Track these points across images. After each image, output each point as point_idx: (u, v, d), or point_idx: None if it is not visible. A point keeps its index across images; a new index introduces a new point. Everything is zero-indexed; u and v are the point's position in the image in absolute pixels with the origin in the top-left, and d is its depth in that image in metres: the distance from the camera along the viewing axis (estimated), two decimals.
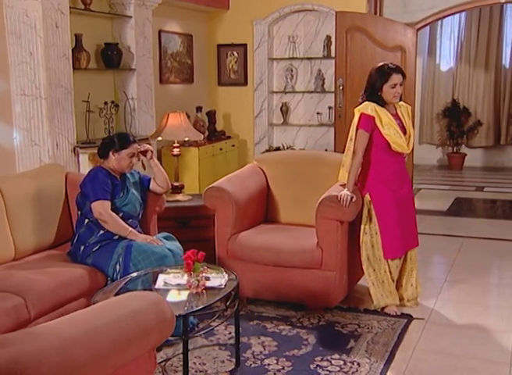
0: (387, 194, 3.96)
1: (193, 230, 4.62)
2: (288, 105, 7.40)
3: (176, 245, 3.86)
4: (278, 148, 7.37)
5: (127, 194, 3.88)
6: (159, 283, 3.21)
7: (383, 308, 4.03)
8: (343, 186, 4.02)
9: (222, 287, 3.17)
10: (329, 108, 7.20)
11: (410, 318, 3.91)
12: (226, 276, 3.28)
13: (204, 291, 3.09)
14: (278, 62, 7.43)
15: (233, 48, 7.40)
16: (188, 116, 6.74)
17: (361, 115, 3.92)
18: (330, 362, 3.32)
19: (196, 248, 3.19)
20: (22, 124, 4.85)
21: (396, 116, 3.99)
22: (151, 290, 3.17)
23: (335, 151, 6.74)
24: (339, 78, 6.66)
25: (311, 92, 7.32)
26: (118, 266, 3.66)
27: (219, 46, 7.46)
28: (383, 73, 3.89)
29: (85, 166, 5.05)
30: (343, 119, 6.73)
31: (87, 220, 3.78)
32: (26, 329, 1.96)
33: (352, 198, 3.84)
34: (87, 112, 5.20)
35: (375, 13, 6.91)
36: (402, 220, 4.00)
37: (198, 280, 3.08)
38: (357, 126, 3.93)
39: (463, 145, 10.31)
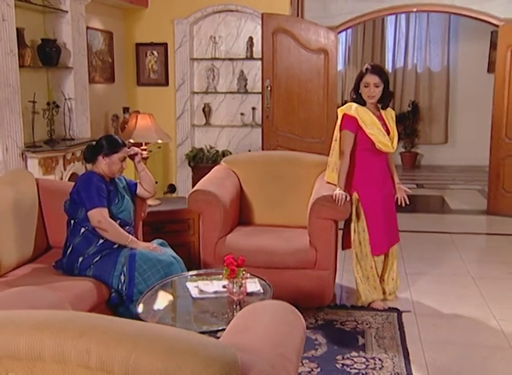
0: (374, 193, 4.11)
1: (168, 235, 4.45)
2: (210, 105, 7.35)
3: (173, 252, 3.73)
4: (201, 149, 7.32)
5: (122, 200, 3.68)
6: (194, 292, 3.09)
7: (369, 304, 4.18)
8: (332, 185, 4.12)
9: (261, 291, 3.13)
10: (253, 108, 7.27)
11: (398, 311, 4.10)
12: (256, 280, 3.23)
13: (244, 298, 3.03)
14: (199, 62, 7.36)
15: (153, 48, 7.21)
16: (117, 117, 6.50)
17: (344, 115, 4.04)
18: (353, 360, 3.39)
19: None
20: None
21: (380, 117, 4.13)
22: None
23: (262, 150, 6.85)
24: (266, 79, 6.76)
25: (234, 93, 7.33)
26: (122, 277, 3.46)
27: (138, 45, 7.22)
28: (360, 72, 4.08)
29: (34, 172, 4.66)
30: (271, 119, 6.85)
31: (83, 229, 3.53)
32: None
33: (346, 196, 3.95)
34: (33, 114, 4.82)
35: (298, 16, 7.08)
36: (386, 217, 4.19)
37: (240, 286, 3.01)
38: (341, 127, 4.04)
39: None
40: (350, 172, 4.10)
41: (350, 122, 3.96)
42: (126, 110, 6.68)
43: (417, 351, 3.50)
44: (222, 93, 7.35)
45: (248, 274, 3.07)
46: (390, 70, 10.93)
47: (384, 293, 4.28)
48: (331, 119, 7.04)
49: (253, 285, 3.14)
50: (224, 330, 2.57)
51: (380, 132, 4.02)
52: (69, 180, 5.02)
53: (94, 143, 3.72)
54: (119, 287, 3.47)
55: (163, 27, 7.13)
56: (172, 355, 1.33)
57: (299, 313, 2.04)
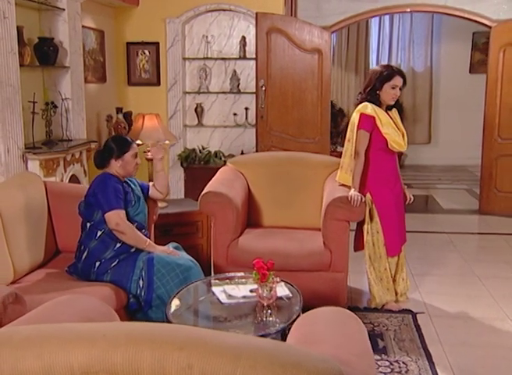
0: (387, 193, 4.09)
1: (176, 237, 4.36)
2: (202, 105, 7.26)
3: (188, 256, 3.65)
4: (193, 150, 7.23)
5: (139, 202, 3.59)
6: (222, 297, 3.02)
7: (383, 306, 4.16)
8: (344, 186, 4.09)
9: (290, 296, 3.07)
10: (246, 109, 7.21)
11: (412, 313, 4.08)
12: (283, 283, 3.18)
13: (274, 303, 2.97)
14: (191, 62, 7.26)
15: (144, 47, 7.08)
16: (111, 117, 6.38)
17: (361, 115, 4.00)
18: (376, 363, 3.35)
19: None
20: None
21: (390, 117, 4.12)
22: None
23: (256, 151, 6.80)
24: (260, 79, 6.71)
25: (226, 93, 7.25)
26: (141, 282, 3.38)
27: (129, 44, 7.09)
28: (388, 72, 3.97)
29: None
30: (265, 119, 6.81)
31: (99, 232, 3.43)
32: None
33: (362, 197, 3.92)
34: (33, 114, 4.68)
35: (291, 16, 7.04)
36: (399, 217, 4.18)
37: (270, 291, 2.95)
38: (358, 127, 4.01)
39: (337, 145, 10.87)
40: (363, 172, 4.07)
41: (368, 121, 3.93)
42: (119, 110, 6.55)
43: (438, 354, 3.48)
44: (215, 93, 7.26)
45: (278, 278, 3.00)
46: None
47: (396, 294, 4.26)
48: (325, 120, 7.04)
49: (281, 289, 3.08)
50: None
51: (395, 132, 4.01)
52: (69, 181, 4.90)
53: (102, 147, 3.62)
54: (138, 292, 3.38)
55: (155, 26, 7.02)
56: (278, 368, 1.27)
57: (359, 320, 1.99)
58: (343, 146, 10.95)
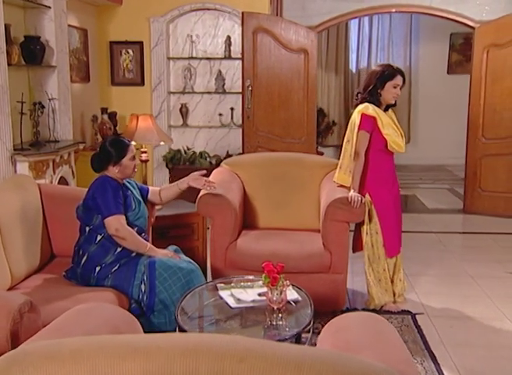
0: (386, 194, 4.08)
1: (172, 240, 4.28)
2: (187, 106, 7.17)
3: (189, 259, 3.58)
4: (178, 151, 7.14)
5: (139, 207, 3.51)
6: (231, 301, 2.96)
7: (382, 307, 4.14)
8: (343, 187, 4.06)
9: (300, 299, 3.03)
10: (231, 109, 7.14)
11: (411, 314, 4.07)
12: (291, 287, 3.13)
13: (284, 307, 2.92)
14: (175, 62, 7.17)
15: (128, 46, 6.97)
16: (96, 118, 6.26)
17: (362, 115, 3.97)
18: None
19: None
20: None
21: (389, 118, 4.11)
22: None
23: (242, 152, 6.74)
24: (247, 79, 6.66)
25: (211, 93, 7.18)
26: (143, 286, 3.30)
27: (112, 43, 6.97)
28: (389, 71, 3.96)
29: None
30: (252, 119, 6.76)
31: (99, 237, 3.34)
32: None
33: (362, 198, 3.89)
34: (21, 115, 4.55)
35: (277, 15, 7.01)
36: (397, 218, 4.17)
37: (280, 294, 2.89)
38: (359, 127, 3.98)
39: (318, 145, 10.88)
40: (362, 173, 4.05)
41: (369, 122, 3.91)
42: (104, 111, 6.43)
43: (443, 355, 3.47)
44: (200, 93, 7.19)
45: (288, 281, 2.95)
46: (354, 71, 11.00)
47: (394, 295, 4.25)
48: (311, 120, 7.03)
49: (289, 293, 3.04)
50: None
51: (395, 132, 4.00)
52: (58, 183, 4.78)
53: (99, 151, 3.51)
54: (140, 297, 3.30)
55: (138, 25, 6.91)
56: None
57: (391, 324, 1.96)
58: (323, 146, 11.05)
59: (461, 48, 10.73)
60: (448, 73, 10.81)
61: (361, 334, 1.77)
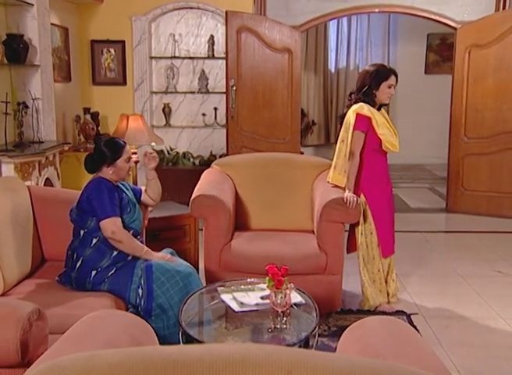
0: (380, 194, 4.08)
1: (164, 242, 4.22)
2: (170, 106, 7.08)
3: (185, 262, 3.52)
4: (161, 151, 7.05)
5: (134, 209, 3.43)
6: (234, 305, 2.90)
7: (376, 308, 4.13)
8: (337, 187, 4.04)
9: (304, 302, 2.99)
10: (215, 109, 7.08)
11: (406, 314, 4.06)
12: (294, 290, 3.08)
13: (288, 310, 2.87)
14: (158, 61, 7.08)
15: (109, 45, 6.86)
16: (79, 118, 6.15)
17: (357, 115, 3.95)
18: None
19: None
20: None
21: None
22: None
23: (227, 152, 6.68)
24: (231, 79, 6.60)
25: (194, 93, 7.10)
26: (140, 290, 3.23)
27: (93, 42, 6.85)
28: (384, 72, 3.95)
29: None
30: (236, 119, 6.70)
31: (94, 240, 3.25)
32: None
33: (357, 199, 3.87)
34: (5, 115, 4.43)
35: (260, 15, 6.96)
36: (391, 218, 4.16)
37: (284, 297, 2.85)
38: (354, 127, 3.95)
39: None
40: (357, 173, 4.03)
41: (364, 122, 3.89)
42: (86, 111, 6.31)
43: (441, 355, 3.44)
44: (183, 93, 7.11)
45: (292, 284, 2.91)
46: (333, 70, 11.02)
47: (387, 295, 4.24)
48: (295, 120, 7.00)
49: (293, 296, 2.99)
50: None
51: (389, 132, 3.99)
52: (44, 185, 4.67)
53: (94, 152, 3.42)
54: (137, 301, 3.23)
55: (120, 24, 6.80)
56: None
57: (413, 328, 1.93)
58: (303, 146, 11.03)
59: (438, 49, 10.84)
60: (425, 73, 10.90)
61: (385, 340, 1.74)
